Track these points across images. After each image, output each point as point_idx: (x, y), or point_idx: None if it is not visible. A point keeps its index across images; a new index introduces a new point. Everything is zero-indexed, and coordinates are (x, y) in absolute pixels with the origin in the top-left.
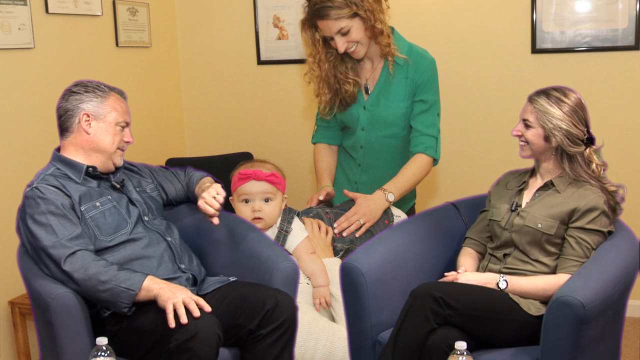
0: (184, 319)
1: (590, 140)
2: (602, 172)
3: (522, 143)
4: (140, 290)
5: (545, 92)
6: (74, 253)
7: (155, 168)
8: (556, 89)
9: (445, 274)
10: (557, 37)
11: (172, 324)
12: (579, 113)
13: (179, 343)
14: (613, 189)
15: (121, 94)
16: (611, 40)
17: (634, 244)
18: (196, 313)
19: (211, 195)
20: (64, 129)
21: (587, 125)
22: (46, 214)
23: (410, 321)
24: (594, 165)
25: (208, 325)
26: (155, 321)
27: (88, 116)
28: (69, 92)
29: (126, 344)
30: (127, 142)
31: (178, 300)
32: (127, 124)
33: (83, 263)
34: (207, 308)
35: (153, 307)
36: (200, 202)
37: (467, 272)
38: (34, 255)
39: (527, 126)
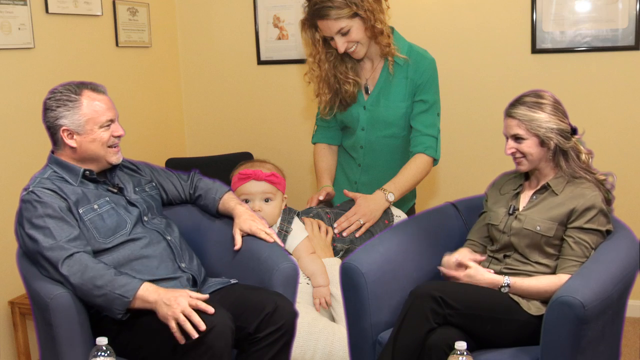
0: (194, 334)
1: (573, 131)
2: (589, 160)
3: (518, 158)
4: (135, 299)
5: (519, 102)
6: (71, 255)
7: (156, 167)
8: (527, 95)
9: (448, 271)
10: (557, 37)
11: (182, 341)
12: (560, 108)
13: (195, 338)
14: (602, 177)
15: (95, 88)
16: (611, 40)
17: (633, 244)
18: (202, 326)
19: (266, 232)
20: (54, 142)
21: (567, 118)
22: (44, 217)
23: (410, 321)
24: (583, 156)
25: (223, 319)
26: None
27: (69, 131)
28: (45, 108)
29: (133, 341)
30: (118, 136)
31: (179, 315)
32: (112, 120)
33: (80, 266)
34: (210, 310)
35: None
36: (261, 233)
37: (474, 267)
38: (32, 258)
39: (519, 139)
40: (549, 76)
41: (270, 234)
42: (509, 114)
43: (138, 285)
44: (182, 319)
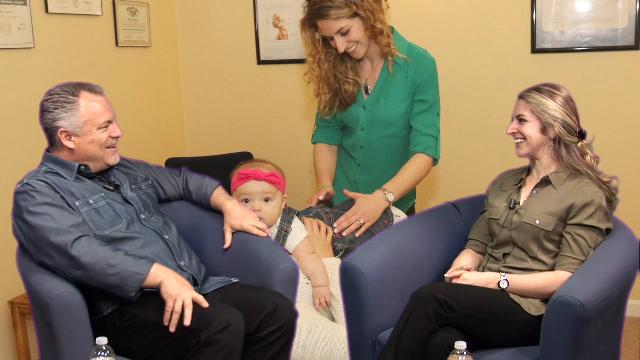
0: (172, 328)
1: (582, 135)
2: (595, 164)
3: (518, 141)
4: (149, 275)
5: (535, 88)
6: (79, 238)
7: (151, 166)
8: (545, 84)
9: (446, 275)
10: (557, 37)
11: (167, 322)
12: (571, 104)
13: (211, 335)
14: (607, 179)
15: (93, 89)
16: (611, 40)
17: (633, 244)
18: (187, 322)
19: (257, 221)
20: (51, 144)
21: (578, 119)
22: (43, 205)
23: (413, 323)
24: (588, 158)
25: (237, 319)
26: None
27: (67, 133)
28: (42, 110)
29: (139, 340)
30: (116, 137)
31: (179, 302)
32: (110, 121)
33: (91, 247)
34: (205, 304)
35: None
36: (253, 229)
37: (468, 272)
38: (35, 248)
39: (523, 121)
40: (549, 76)
41: (263, 229)
42: (521, 96)
43: (151, 263)
44: (179, 307)
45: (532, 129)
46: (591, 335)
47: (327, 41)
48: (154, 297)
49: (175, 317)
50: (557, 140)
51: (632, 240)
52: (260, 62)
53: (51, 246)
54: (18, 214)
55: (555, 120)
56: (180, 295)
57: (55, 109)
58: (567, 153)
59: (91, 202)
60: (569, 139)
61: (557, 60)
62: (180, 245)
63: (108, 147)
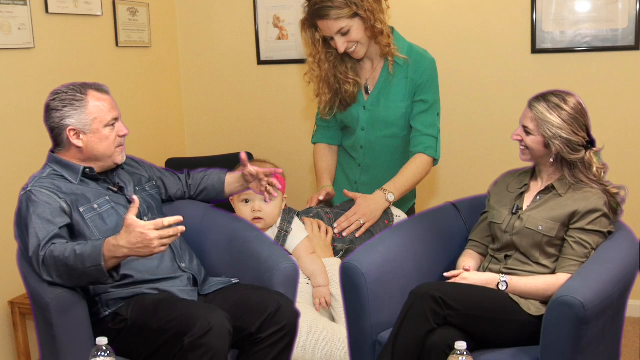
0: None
1: (590, 143)
2: (602, 174)
3: (522, 147)
4: (106, 261)
5: (544, 98)
6: (44, 257)
7: (155, 166)
8: (555, 94)
9: (446, 274)
10: (557, 37)
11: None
12: (579, 119)
13: (194, 339)
14: (615, 191)
15: (99, 88)
16: (611, 40)
17: (634, 244)
18: (181, 228)
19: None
20: (57, 144)
21: (587, 130)
22: (33, 216)
23: (410, 321)
24: (594, 169)
25: (221, 320)
26: (165, 319)
27: (75, 131)
28: (48, 109)
29: (132, 343)
30: (123, 136)
31: (159, 246)
32: (117, 119)
33: (52, 261)
34: (179, 219)
35: (162, 306)
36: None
37: (468, 272)
38: (26, 258)
39: (527, 133)
40: (549, 76)
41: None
42: (529, 105)
43: (100, 248)
44: (165, 242)
45: (534, 142)
46: (591, 335)
47: (327, 41)
48: (145, 300)
49: (171, 238)
50: (559, 156)
51: (632, 240)
52: (260, 62)
53: (31, 265)
54: (17, 222)
55: (558, 139)
56: (153, 246)
57: (64, 106)
58: (569, 170)
59: (95, 206)
60: (572, 157)
61: (557, 60)
62: (182, 246)
63: (117, 146)
